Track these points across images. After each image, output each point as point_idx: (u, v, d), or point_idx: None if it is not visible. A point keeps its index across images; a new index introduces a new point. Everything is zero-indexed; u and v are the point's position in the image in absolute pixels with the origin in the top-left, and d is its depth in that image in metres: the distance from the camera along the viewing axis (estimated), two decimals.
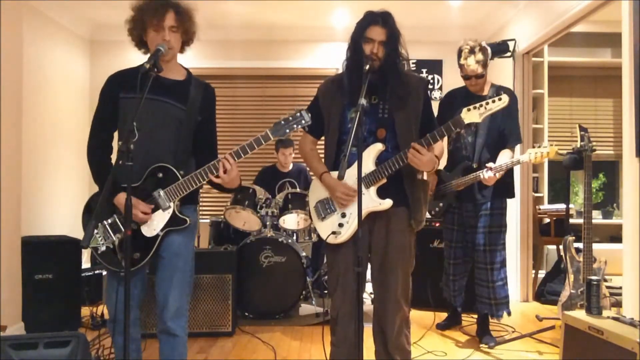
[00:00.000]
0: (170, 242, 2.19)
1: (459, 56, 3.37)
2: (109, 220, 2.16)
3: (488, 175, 3.13)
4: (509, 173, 3.34)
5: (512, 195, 3.52)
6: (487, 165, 3.19)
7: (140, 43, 2.22)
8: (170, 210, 2.15)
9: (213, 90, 2.33)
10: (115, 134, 2.21)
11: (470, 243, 3.51)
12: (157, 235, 2.15)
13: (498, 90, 3.37)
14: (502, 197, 3.43)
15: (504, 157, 3.25)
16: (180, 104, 2.19)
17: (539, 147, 3.11)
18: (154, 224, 2.15)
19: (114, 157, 2.02)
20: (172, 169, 2.15)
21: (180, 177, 2.14)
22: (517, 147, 3.47)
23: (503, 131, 3.34)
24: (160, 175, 2.15)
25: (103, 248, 2.16)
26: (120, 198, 2.08)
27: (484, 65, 3.32)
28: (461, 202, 3.48)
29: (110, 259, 2.16)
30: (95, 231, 2.16)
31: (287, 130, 2.13)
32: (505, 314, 3.44)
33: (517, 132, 3.37)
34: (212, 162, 2.12)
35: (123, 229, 2.12)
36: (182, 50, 2.28)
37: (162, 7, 2.12)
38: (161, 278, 2.21)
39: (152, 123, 2.13)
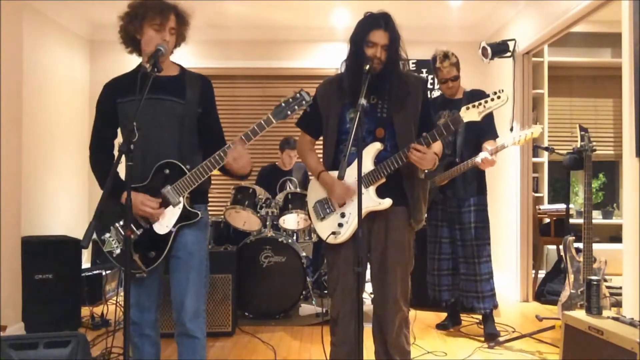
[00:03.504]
0: (184, 241, 2.17)
1: (434, 62, 3.60)
2: (121, 222, 2.14)
3: (484, 156, 3.26)
4: (482, 172, 3.52)
5: (485, 192, 3.66)
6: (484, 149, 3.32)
7: (130, 40, 2.20)
8: (181, 205, 2.13)
9: (209, 81, 2.30)
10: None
11: (459, 240, 3.61)
12: (170, 232, 2.14)
13: (471, 93, 3.54)
14: (482, 194, 3.60)
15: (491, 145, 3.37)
16: (178, 99, 2.18)
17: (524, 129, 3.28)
18: (166, 221, 2.13)
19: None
20: (178, 163, 2.13)
21: (187, 171, 2.12)
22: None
23: (480, 129, 3.43)
24: (167, 171, 2.13)
25: (117, 251, 2.15)
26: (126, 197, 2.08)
27: (458, 68, 3.59)
28: (445, 198, 3.61)
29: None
30: (108, 234, 2.15)
31: (289, 112, 2.10)
32: (492, 307, 3.58)
33: (493, 128, 3.52)
34: (219, 151, 2.09)
35: (135, 229, 2.11)
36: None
37: (167, 9, 2.14)
38: (177, 279, 2.19)
39: (154, 122, 2.13)
